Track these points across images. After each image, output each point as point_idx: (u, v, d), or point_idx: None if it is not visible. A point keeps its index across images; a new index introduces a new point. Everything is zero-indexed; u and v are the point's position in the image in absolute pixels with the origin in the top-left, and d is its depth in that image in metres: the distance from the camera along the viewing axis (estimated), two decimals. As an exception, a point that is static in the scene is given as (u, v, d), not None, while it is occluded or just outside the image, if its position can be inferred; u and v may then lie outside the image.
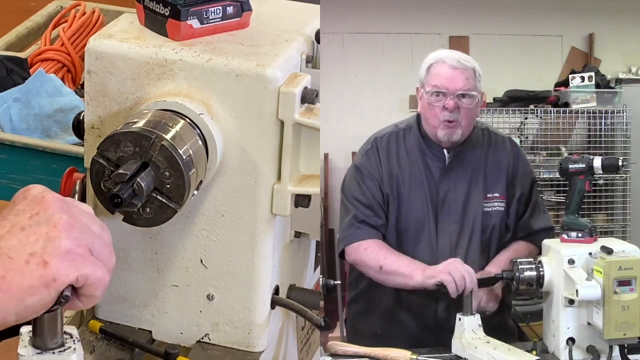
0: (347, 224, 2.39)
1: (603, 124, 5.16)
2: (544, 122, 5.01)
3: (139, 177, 1.53)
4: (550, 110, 5.15)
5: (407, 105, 5.92)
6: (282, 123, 1.67)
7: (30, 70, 3.01)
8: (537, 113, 5.09)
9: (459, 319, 2.22)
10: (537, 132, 4.95)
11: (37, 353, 1.46)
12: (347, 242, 2.38)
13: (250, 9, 1.78)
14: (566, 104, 5.21)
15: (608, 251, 2.05)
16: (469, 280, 2.20)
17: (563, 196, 2.46)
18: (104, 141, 1.57)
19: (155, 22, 1.73)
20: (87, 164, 1.68)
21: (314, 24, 1.85)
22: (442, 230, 2.39)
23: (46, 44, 3.07)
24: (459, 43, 6.37)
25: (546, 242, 2.24)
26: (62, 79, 2.99)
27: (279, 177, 1.71)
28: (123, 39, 1.71)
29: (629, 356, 2.06)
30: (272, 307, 1.83)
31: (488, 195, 2.41)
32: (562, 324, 2.12)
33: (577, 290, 2.02)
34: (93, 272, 1.31)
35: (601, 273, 2.00)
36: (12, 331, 1.62)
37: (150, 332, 1.85)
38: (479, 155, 2.43)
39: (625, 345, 2.05)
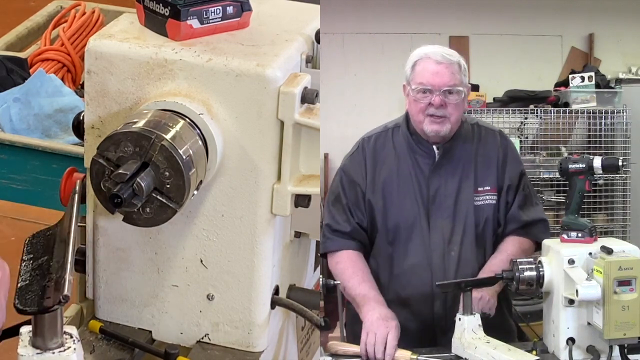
0: (323, 232, 2.36)
1: (603, 124, 5.16)
2: (544, 122, 5.01)
3: (139, 177, 1.53)
4: (550, 110, 5.15)
5: (407, 105, 5.92)
6: (282, 123, 1.67)
7: (30, 70, 3.02)
8: (537, 113, 5.09)
9: (459, 319, 2.22)
10: (537, 132, 4.95)
11: (37, 353, 1.47)
12: (322, 251, 2.35)
13: (250, 9, 1.78)
14: (566, 104, 5.21)
15: (608, 251, 2.05)
16: (380, 350, 2.15)
17: (563, 196, 2.46)
18: (104, 141, 1.57)
19: (155, 22, 1.73)
20: (87, 164, 1.68)
21: (314, 24, 1.85)
22: (434, 226, 2.39)
23: (46, 44, 3.07)
24: (459, 43, 6.37)
25: (546, 242, 2.24)
26: (62, 79, 2.99)
27: (279, 177, 1.71)
28: (123, 39, 1.71)
29: (629, 356, 2.06)
30: (272, 307, 1.83)
31: (479, 189, 2.41)
32: (562, 324, 2.12)
33: (577, 290, 2.01)
34: None
35: (601, 273, 2.00)
36: (12, 331, 1.62)
37: (150, 332, 1.85)
38: (469, 149, 2.43)
39: (625, 345, 2.05)
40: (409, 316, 2.40)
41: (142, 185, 1.53)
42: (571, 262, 2.09)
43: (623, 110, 5.17)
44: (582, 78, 5.25)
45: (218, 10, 1.74)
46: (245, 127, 1.67)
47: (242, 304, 1.78)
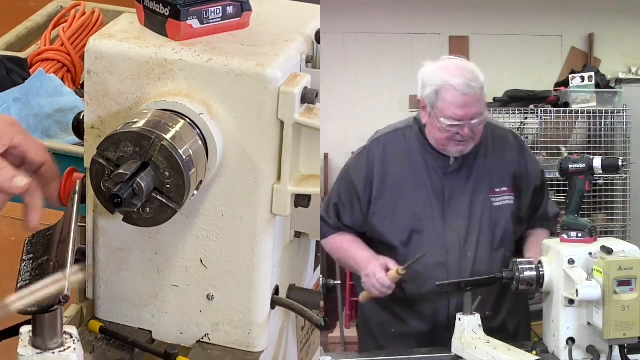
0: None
1: (603, 124, 5.16)
2: (544, 122, 5.01)
3: (139, 177, 1.53)
4: (550, 110, 5.15)
5: (407, 105, 5.92)
6: (282, 123, 1.67)
7: (30, 70, 3.01)
8: (537, 113, 5.09)
9: (459, 319, 2.22)
10: (537, 132, 4.95)
11: (37, 353, 1.47)
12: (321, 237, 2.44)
13: (250, 9, 1.78)
14: (566, 104, 5.21)
15: (608, 251, 2.05)
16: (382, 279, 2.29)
17: (563, 196, 2.47)
18: (104, 141, 1.57)
19: (155, 22, 1.73)
20: (87, 164, 1.68)
21: (314, 24, 1.85)
22: (450, 227, 2.39)
23: (46, 44, 3.06)
24: (459, 43, 6.37)
25: (546, 242, 2.24)
26: (62, 79, 2.99)
27: (279, 177, 1.71)
28: (123, 39, 1.71)
29: (629, 356, 2.06)
30: (272, 307, 1.83)
31: (496, 190, 2.40)
32: (562, 324, 2.12)
33: (577, 290, 2.01)
34: None
35: (601, 273, 2.00)
36: (12, 331, 1.62)
37: (150, 332, 1.85)
38: (483, 150, 2.42)
39: (625, 345, 2.05)
40: (421, 316, 2.40)
41: (142, 185, 1.53)
42: (571, 262, 2.09)
43: (623, 110, 5.17)
44: (582, 78, 5.25)
45: (218, 10, 1.74)
46: (245, 127, 1.67)
47: (242, 304, 1.78)
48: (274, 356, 1.93)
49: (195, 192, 1.63)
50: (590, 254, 2.09)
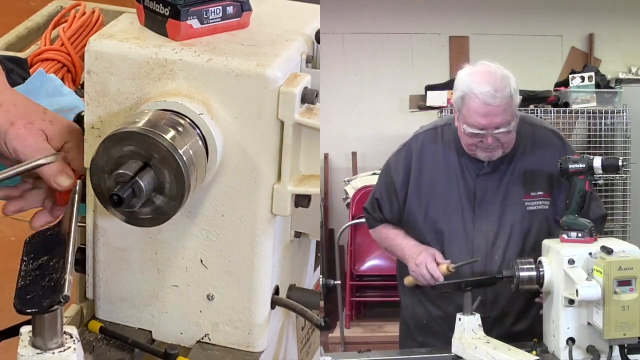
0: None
1: (603, 124, 5.16)
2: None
3: (139, 177, 1.53)
4: (550, 110, 5.15)
5: (407, 105, 5.93)
6: (282, 123, 1.67)
7: (30, 70, 3.01)
8: (537, 113, 5.10)
9: (459, 319, 2.22)
10: (537, 132, 4.94)
11: (37, 353, 1.47)
12: (369, 226, 2.62)
13: (250, 9, 1.78)
14: (566, 104, 5.21)
15: (608, 251, 2.05)
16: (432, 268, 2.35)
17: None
18: (104, 141, 1.57)
19: (155, 22, 1.73)
20: (87, 163, 1.68)
21: (314, 24, 1.85)
22: (479, 229, 2.39)
23: (46, 44, 3.06)
24: (459, 43, 6.37)
25: (546, 242, 2.24)
26: (62, 79, 2.98)
27: (279, 177, 1.71)
28: (123, 39, 1.71)
29: (629, 356, 2.06)
30: (272, 307, 1.83)
31: (531, 194, 2.39)
32: (562, 324, 2.12)
33: (577, 290, 2.02)
34: None
35: (601, 273, 2.00)
36: (12, 331, 1.62)
37: (150, 332, 1.85)
38: (521, 154, 2.40)
39: (625, 345, 2.05)
40: (442, 314, 2.42)
41: (142, 185, 1.53)
42: (571, 262, 2.09)
43: (623, 110, 5.17)
44: (582, 78, 5.25)
45: (218, 10, 1.74)
46: (245, 127, 1.67)
47: (242, 304, 1.78)
48: (274, 356, 1.93)
49: (195, 192, 1.63)
50: (590, 254, 2.09)
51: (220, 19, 1.74)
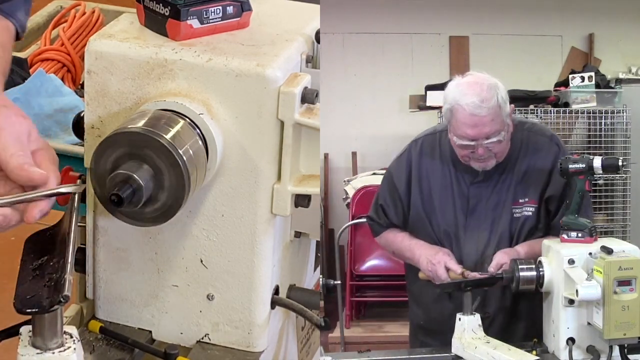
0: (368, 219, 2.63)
1: (603, 124, 5.16)
2: (544, 122, 5.01)
3: (139, 177, 1.53)
4: (550, 110, 5.15)
5: (407, 105, 5.92)
6: (282, 123, 1.67)
7: (30, 70, 3.01)
8: (537, 113, 5.10)
9: (459, 319, 2.22)
10: (537, 132, 4.94)
11: (37, 353, 1.47)
12: (374, 234, 2.61)
13: (250, 9, 1.78)
14: (566, 104, 5.21)
15: (608, 251, 2.05)
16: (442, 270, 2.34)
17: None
18: (104, 141, 1.57)
19: (155, 22, 1.73)
20: (87, 163, 1.68)
21: (314, 24, 1.85)
22: (471, 237, 2.39)
23: (46, 44, 3.06)
24: (459, 43, 6.37)
25: (546, 242, 2.24)
26: (62, 79, 2.98)
27: (279, 177, 1.71)
28: (123, 39, 1.71)
29: (629, 356, 2.06)
30: (272, 307, 1.83)
31: (519, 201, 2.38)
32: (562, 324, 2.12)
33: (577, 290, 2.01)
34: None
35: (601, 273, 2.00)
36: (12, 331, 1.62)
37: (150, 332, 1.85)
38: (515, 162, 2.39)
39: (625, 345, 2.05)
40: (430, 317, 2.43)
41: (142, 185, 1.53)
42: (571, 262, 2.09)
43: (623, 110, 5.17)
44: (582, 78, 5.25)
45: (218, 10, 1.74)
46: (245, 127, 1.67)
47: (242, 304, 1.78)
48: (274, 356, 1.93)
49: (195, 192, 1.63)
50: (590, 254, 2.09)
51: (220, 19, 1.74)
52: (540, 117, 5.05)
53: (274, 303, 1.83)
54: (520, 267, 2.20)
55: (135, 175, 1.53)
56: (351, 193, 5.32)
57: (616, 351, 2.06)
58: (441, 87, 5.32)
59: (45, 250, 1.60)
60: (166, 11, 1.71)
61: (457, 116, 2.29)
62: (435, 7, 6.34)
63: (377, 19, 6.37)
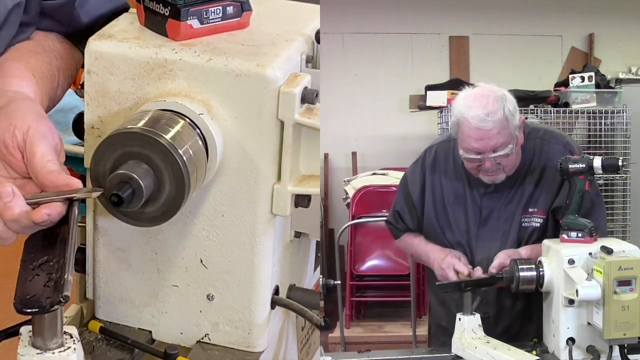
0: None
1: (603, 124, 5.16)
2: (544, 122, 5.01)
3: (139, 177, 1.53)
4: (550, 110, 5.15)
5: (407, 105, 5.93)
6: (282, 123, 1.67)
7: (30, 70, 3.01)
8: (537, 113, 5.10)
9: (459, 319, 2.22)
10: (537, 132, 4.95)
11: (37, 353, 1.46)
12: (394, 237, 2.65)
13: (250, 9, 1.78)
14: (566, 104, 5.22)
15: (608, 251, 2.05)
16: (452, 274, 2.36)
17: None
18: (103, 141, 1.57)
19: (155, 22, 1.73)
20: (87, 163, 1.67)
21: (314, 24, 1.85)
22: (482, 247, 2.39)
23: (46, 43, 3.06)
24: (459, 43, 6.37)
25: (546, 242, 2.24)
26: (62, 79, 2.98)
27: (279, 177, 1.71)
28: (123, 39, 1.70)
29: (629, 356, 2.06)
30: (272, 307, 1.83)
31: (529, 210, 2.38)
32: (562, 324, 2.12)
33: (577, 290, 2.02)
34: None
35: (601, 273, 2.00)
36: (12, 331, 1.62)
37: (150, 332, 1.85)
38: (527, 169, 2.39)
39: (625, 345, 2.05)
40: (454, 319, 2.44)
41: (142, 185, 1.53)
42: (571, 262, 2.09)
43: (623, 110, 5.18)
44: (582, 78, 5.25)
45: (218, 10, 1.74)
46: (245, 127, 1.67)
47: (242, 304, 1.78)
48: (274, 356, 1.93)
49: (195, 192, 1.63)
50: (590, 254, 2.09)
51: (220, 19, 1.74)
52: (540, 117, 5.06)
53: (274, 303, 1.83)
54: (520, 267, 2.20)
55: (135, 176, 1.53)
56: (351, 193, 5.32)
57: (616, 351, 2.06)
58: (441, 87, 5.34)
59: (45, 250, 1.60)
60: (166, 11, 1.71)
61: (463, 129, 2.29)
62: (435, 7, 6.35)
63: (377, 19, 6.38)
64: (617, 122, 5.15)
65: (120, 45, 1.69)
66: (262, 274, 1.77)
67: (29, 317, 1.48)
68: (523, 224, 2.37)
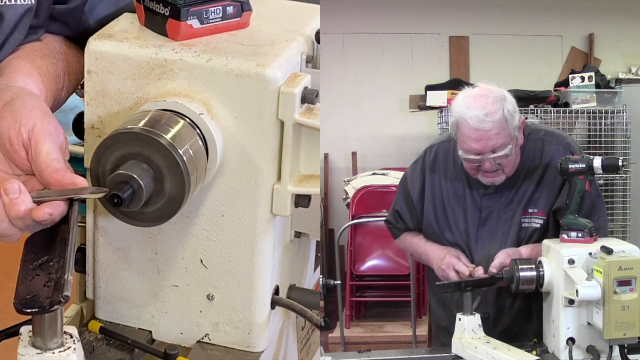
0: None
1: (603, 124, 5.16)
2: (544, 122, 5.01)
3: (139, 177, 1.53)
4: (550, 110, 5.15)
5: (407, 105, 5.93)
6: (282, 123, 1.67)
7: (30, 70, 3.01)
8: (537, 113, 5.10)
9: (459, 319, 2.22)
10: (537, 132, 4.95)
11: (37, 353, 1.46)
12: (393, 236, 2.65)
13: (250, 9, 1.78)
14: (566, 104, 5.22)
15: (608, 251, 2.05)
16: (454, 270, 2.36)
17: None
18: (103, 141, 1.57)
19: (155, 22, 1.73)
20: (87, 163, 1.68)
21: (314, 24, 1.85)
22: (482, 248, 2.39)
23: (46, 44, 3.06)
24: (459, 43, 6.37)
25: (546, 242, 2.24)
26: (62, 79, 2.98)
27: (279, 177, 1.71)
28: (123, 39, 1.71)
29: (629, 356, 2.06)
30: (272, 307, 1.83)
31: (529, 211, 2.38)
32: (562, 324, 2.12)
33: (577, 290, 2.02)
34: None
35: (601, 273, 2.00)
36: (12, 331, 1.62)
37: (150, 332, 1.85)
38: (527, 169, 2.38)
39: (625, 345, 2.05)
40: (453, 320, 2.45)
41: (142, 185, 1.53)
42: (571, 262, 2.09)
43: (623, 110, 5.18)
44: (582, 78, 5.25)
45: (218, 10, 1.74)
46: (245, 127, 1.67)
47: (242, 304, 1.78)
48: (274, 356, 1.93)
49: (195, 192, 1.63)
50: (590, 254, 2.09)
51: (220, 19, 1.74)
52: (540, 117, 5.06)
53: (274, 303, 1.83)
54: (520, 267, 2.20)
55: (135, 176, 1.53)
56: (351, 193, 5.32)
57: (616, 351, 2.06)
58: (441, 87, 5.34)
59: (46, 250, 1.60)
60: (166, 11, 1.71)
61: (462, 130, 2.28)
62: (435, 7, 6.35)
63: (377, 19, 6.38)
64: (617, 122, 5.15)
65: (120, 45, 1.69)
66: (262, 274, 1.77)
67: (29, 317, 1.48)
68: (523, 225, 2.37)
